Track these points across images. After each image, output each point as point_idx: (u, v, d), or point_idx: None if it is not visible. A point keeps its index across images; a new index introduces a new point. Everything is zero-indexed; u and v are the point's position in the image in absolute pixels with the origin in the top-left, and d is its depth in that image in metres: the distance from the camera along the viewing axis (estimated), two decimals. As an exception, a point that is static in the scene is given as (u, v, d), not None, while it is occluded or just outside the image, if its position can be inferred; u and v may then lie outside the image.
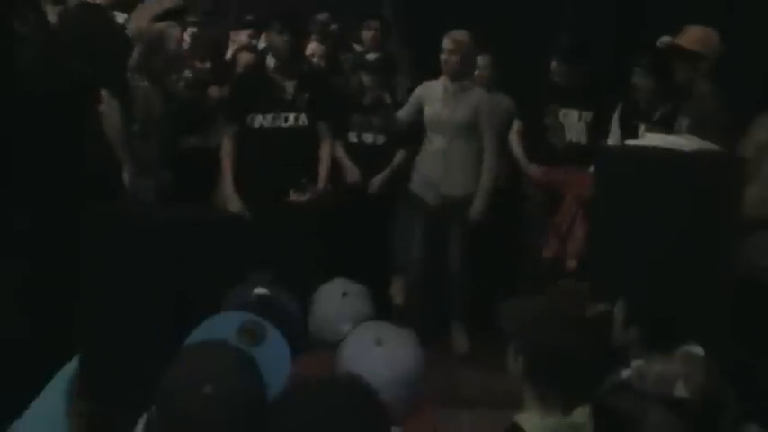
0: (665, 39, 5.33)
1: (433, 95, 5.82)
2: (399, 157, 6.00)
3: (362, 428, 1.98)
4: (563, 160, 5.77)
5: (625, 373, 2.83)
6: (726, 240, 4.05)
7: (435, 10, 6.72)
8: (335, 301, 3.07)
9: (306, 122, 5.44)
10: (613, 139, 5.58)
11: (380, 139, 6.01)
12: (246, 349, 2.29)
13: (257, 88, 5.45)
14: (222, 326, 2.45)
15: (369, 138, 5.99)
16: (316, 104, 5.47)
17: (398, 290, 6.03)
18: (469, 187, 5.75)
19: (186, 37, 5.57)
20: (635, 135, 5.31)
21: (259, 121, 5.38)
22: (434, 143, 5.80)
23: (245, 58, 6.08)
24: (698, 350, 2.86)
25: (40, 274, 3.96)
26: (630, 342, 3.07)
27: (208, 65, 5.82)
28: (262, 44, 6.41)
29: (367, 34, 6.62)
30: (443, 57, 5.72)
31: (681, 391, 2.63)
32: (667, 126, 5.20)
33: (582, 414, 2.62)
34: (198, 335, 2.45)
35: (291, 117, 5.41)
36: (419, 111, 5.87)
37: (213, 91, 5.78)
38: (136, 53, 5.15)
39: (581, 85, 5.90)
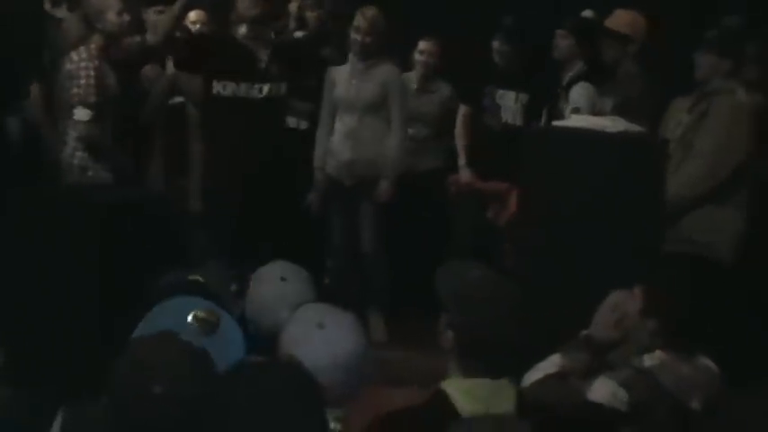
0: (588, 12, 5.61)
1: (341, 75, 5.70)
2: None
3: (295, 410, 1.96)
4: (499, 142, 5.80)
5: (647, 359, 2.91)
6: (653, 219, 4.15)
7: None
8: (274, 285, 2.98)
9: (280, 92, 5.34)
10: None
11: (303, 125, 5.93)
12: (198, 340, 2.22)
13: (229, 54, 5.31)
14: (174, 314, 2.39)
15: (292, 122, 5.93)
16: (291, 74, 5.37)
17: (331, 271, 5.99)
18: (379, 165, 5.63)
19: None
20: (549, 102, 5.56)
21: (231, 88, 5.25)
22: (344, 123, 5.67)
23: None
24: (713, 365, 2.94)
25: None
26: (648, 331, 3.04)
27: (137, 38, 5.67)
28: None
29: (310, 15, 6.49)
30: (354, 35, 5.60)
31: (696, 404, 2.76)
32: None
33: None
34: (147, 325, 2.39)
35: (266, 87, 5.27)
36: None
37: (147, 70, 5.69)
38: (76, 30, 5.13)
39: (519, 67, 5.92)
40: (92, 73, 4.83)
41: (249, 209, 5.21)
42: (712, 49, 4.68)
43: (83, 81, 4.82)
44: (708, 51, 4.68)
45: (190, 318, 2.36)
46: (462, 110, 6.05)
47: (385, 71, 5.65)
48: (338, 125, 5.68)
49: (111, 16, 4.95)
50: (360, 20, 5.57)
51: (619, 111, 4.70)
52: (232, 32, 5.58)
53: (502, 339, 2.47)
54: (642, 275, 3.42)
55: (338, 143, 5.67)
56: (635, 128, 4.27)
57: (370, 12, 5.58)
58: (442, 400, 2.47)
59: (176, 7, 5.25)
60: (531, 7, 6.00)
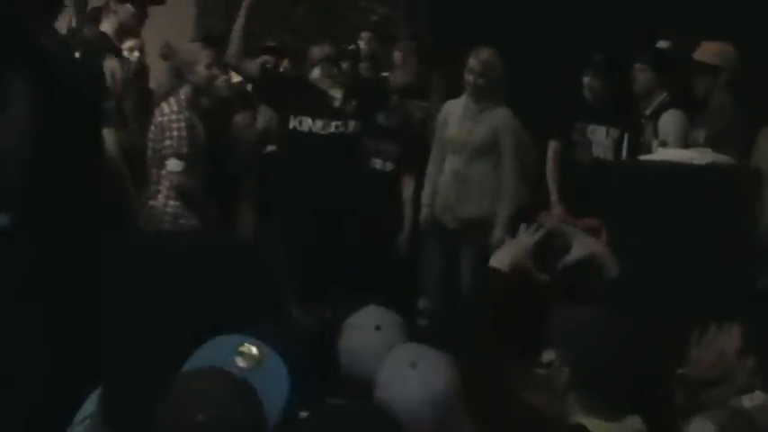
0: (664, 42, 5.71)
1: (453, 114, 5.74)
2: (408, 189, 5.96)
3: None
4: (590, 177, 5.75)
5: (745, 400, 2.85)
6: (745, 252, 4.06)
7: (462, 29, 6.72)
8: (368, 334, 2.94)
9: (354, 129, 5.41)
10: None
11: (389, 167, 5.98)
12: (243, 374, 2.28)
13: (304, 93, 5.42)
14: (219, 350, 2.44)
15: (377, 164, 6.00)
16: (363, 113, 5.46)
17: (425, 310, 5.98)
18: (485, 209, 5.64)
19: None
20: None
21: (308, 124, 5.36)
22: (453, 164, 5.71)
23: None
24: None
25: (61, 303, 4.03)
26: (747, 372, 2.96)
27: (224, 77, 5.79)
28: None
29: (398, 55, 6.55)
30: (467, 76, 5.63)
31: None
32: (657, 119, 5.50)
33: (637, 422, 2.63)
34: (195, 360, 2.44)
35: (341, 124, 5.37)
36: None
37: (238, 118, 5.81)
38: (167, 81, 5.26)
39: (609, 102, 5.90)
40: (183, 125, 4.98)
41: (328, 248, 5.26)
42: None
43: (175, 133, 4.96)
44: None
45: (234, 353, 2.41)
46: (552, 146, 6.01)
47: (498, 115, 5.66)
48: (446, 165, 5.71)
49: (201, 68, 5.09)
50: (473, 62, 5.59)
51: (712, 142, 4.65)
52: (306, 74, 5.64)
53: (620, 372, 2.51)
54: (738, 312, 3.36)
55: (444, 184, 5.70)
56: (723, 159, 4.20)
57: (485, 54, 5.60)
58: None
59: (241, 18, 5.36)
60: (612, 43, 5.98)
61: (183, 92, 5.07)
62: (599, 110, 5.89)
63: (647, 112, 5.65)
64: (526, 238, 2.99)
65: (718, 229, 3.88)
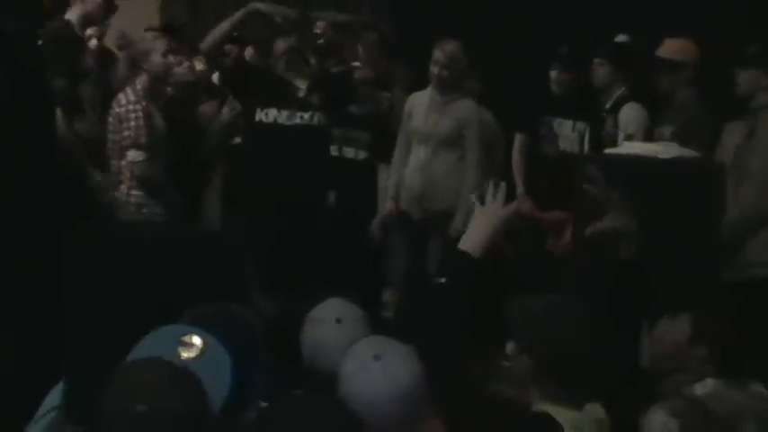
0: (622, 36, 5.76)
1: (419, 106, 5.75)
2: (382, 177, 5.94)
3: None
4: (557, 171, 5.77)
5: (698, 388, 2.87)
6: (711, 245, 4.09)
7: (428, 21, 6.72)
8: (330, 327, 2.97)
9: (320, 121, 5.41)
10: None
11: (362, 154, 5.95)
12: (186, 365, 2.26)
13: (269, 84, 5.41)
14: (162, 340, 2.42)
15: (350, 152, 5.96)
16: (329, 105, 5.45)
17: (390, 302, 5.97)
18: (451, 201, 5.63)
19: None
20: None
21: (273, 115, 5.36)
22: (418, 155, 5.72)
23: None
24: (766, 392, 2.88)
25: (19, 295, 3.99)
26: (697, 360, 3.02)
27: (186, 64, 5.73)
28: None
29: (363, 47, 6.53)
30: (433, 68, 5.63)
31: (750, 429, 2.67)
32: (617, 112, 5.56)
33: (598, 410, 2.65)
34: (137, 351, 2.41)
35: (306, 116, 5.37)
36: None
37: (205, 108, 5.78)
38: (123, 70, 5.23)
39: (575, 96, 5.89)
40: (140, 114, 4.96)
41: (295, 238, 5.24)
42: (752, 63, 4.62)
43: (132, 123, 4.95)
44: (748, 67, 4.62)
45: (177, 343, 2.38)
46: (519, 139, 6.00)
47: (463, 106, 5.68)
48: (412, 157, 5.71)
49: (157, 57, 5.08)
50: (438, 54, 5.59)
51: (678, 138, 4.67)
52: (272, 66, 5.64)
53: (578, 359, 2.51)
54: (702, 303, 3.39)
55: (410, 175, 5.71)
56: (689, 153, 4.22)
57: (450, 46, 5.61)
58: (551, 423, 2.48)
59: (231, 20, 5.32)
60: (578, 37, 6.00)
61: (140, 81, 5.05)
62: (565, 104, 5.89)
63: (608, 105, 5.70)
64: (494, 213, 2.93)
65: (683, 222, 3.90)
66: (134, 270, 3.84)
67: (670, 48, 5.31)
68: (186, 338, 2.40)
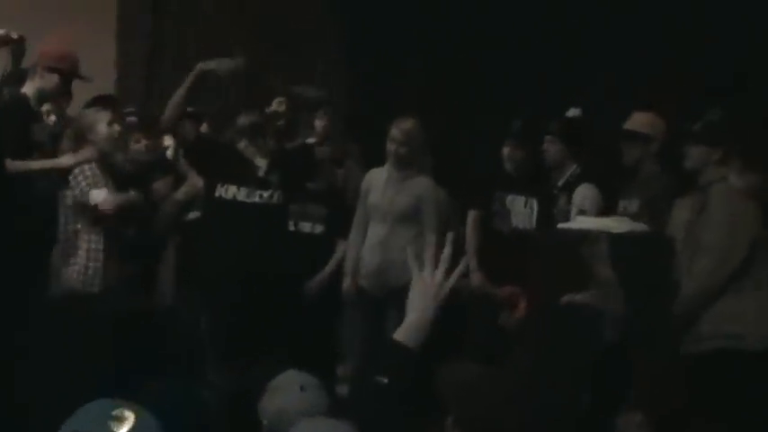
0: (574, 111, 5.68)
1: (376, 182, 5.75)
2: (340, 249, 5.94)
3: None
4: (509, 247, 5.79)
5: None
6: (664, 316, 4.13)
7: (382, 98, 6.79)
8: (293, 394, 3.01)
9: (279, 200, 5.39)
10: None
11: (318, 229, 5.94)
12: None
13: (230, 160, 5.40)
14: (93, 414, 2.29)
15: (306, 227, 5.95)
16: (289, 183, 5.43)
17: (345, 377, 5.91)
18: (407, 277, 5.57)
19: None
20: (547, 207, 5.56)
21: (233, 192, 5.33)
22: (376, 231, 5.70)
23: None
24: None
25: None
26: (635, 425, 3.09)
27: (144, 142, 5.73)
28: None
29: (319, 123, 6.58)
30: (390, 146, 5.64)
31: None
32: (571, 190, 5.46)
33: None
34: (67, 426, 2.27)
35: (266, 194, 5.34)
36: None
37: (159, 185, 5.75)
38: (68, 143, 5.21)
39: (528, 171, 5.90)
40: (88, 172, 4.95)
41: (252, 314, 5.19)
42: (702, 139, 4.68)
43: (81, 178, 4.95)
44: (697, 142, 4.68)
45: (108, 417, 2.27)
46: (472, 215, 5.97)
47: (420, 183, 5.68)
48: (370, 233, 5.71)
49: (102, 127, 5.07)
50: (395, 131, 5.61)
51: (646, 212, 4.71)
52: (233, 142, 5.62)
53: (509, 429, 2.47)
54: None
55: (368, 251, 5.69)
56: (641, 227, 4.28)
57: (406, 123, 5.62)
58: None
59: (184, 86, 5.31)
60: (531, 112, 6.05)
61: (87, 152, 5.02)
62: (518, 179, 5.90)
63: (560, 183, 5.64)
64: (430, 305, 2.82)
65: (635, 294, 3.94)
66: (85, 342, 3.82)
67: (639, 121, 5.27)
68: (117, 412, 2.37)
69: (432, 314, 2.74)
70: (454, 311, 5.90)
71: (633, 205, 5.03)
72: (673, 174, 5.14)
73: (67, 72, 5.09)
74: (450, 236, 2.84)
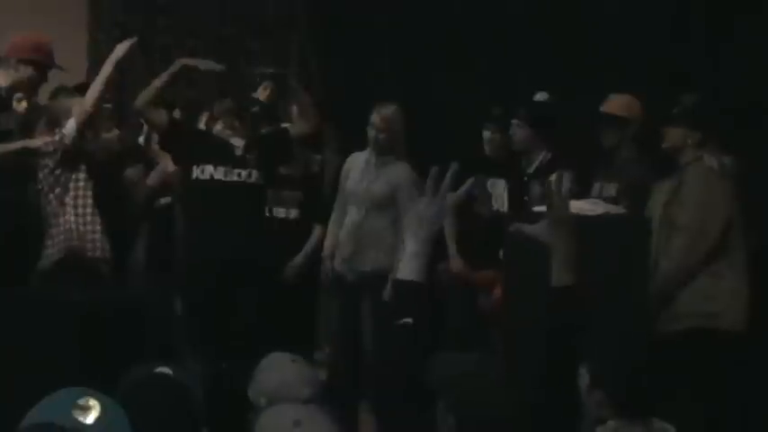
0: (541, 95, 5.66)
1: (355, 167, 5.76)
2: (316, 234, 5.93)
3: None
4: (490, 230, 5.77)
5: (600, 430, 2.92)
6: (642, 296, 4.15)
7: (361, 84, 6.75)
8: (288, 366, 3.14)
9: (257, 179, 5.36)
10: None
11: (293, 213, 5.92)
12: (80, 428, 2.21)
13: (207, 142, 5.40)
14: (57, 403, 2.34)
15: (281, 212, 5.92)
16: (265, 164, 5.41)
17: (321, 366, 5.89)
18: (381, 263, 5.58)
19: None
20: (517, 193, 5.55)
21: (209, 172, 5.30)
22: (351, 216, 5.70)
23: None
24: (669, 427, 2.95)
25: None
26: (596, 404, 3.07)
27: (116, 132, 5.74)
28: None
29: (294, 109, 6.50)
30: (370, 132, 5.64)
31: None
32: (544, 177, 5.24)
33: None
34: (31, 415, 2.33)
35: (244, 173, 5.32)
36: None
37: (130, 173, 5.73)
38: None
39: (508, 156, 5.90)
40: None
41: (229, 297, 5.18)
42: (681, 122, 4.68)
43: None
44: (676, 125, 4.68)
45: (72, 406, 2.30)
46: (450, 198, 5.95)
47: (397, 170, 5.67)
48: (347, 218, 5.71)
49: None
50: (375, 117, 5.62)
51: (623, 195, 4.71)
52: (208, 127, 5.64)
53: (502, 417, 2.49)
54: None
55: (343, 237, 5.69)
56: (616, 209, 4.26)
57: (387, 109, 5.63)
58: None
59: (162, 76, 5.28)
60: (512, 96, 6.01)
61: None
62: (498, 163, 5.91)
63: (530, 170, 5.63)
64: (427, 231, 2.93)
65: (610, 278, 3.93)
66: (57, 335, 3.78)
67: (616, 103, 5.24)
68: (82, 401, 2.34)
69: (430, 245, 2.84)
70: (433, 297, 5.97)
71: (611, 189, 5.03)
72: (649, 157, 5.14)
73: (43, 62, 5.03)
74: (453, 165, 2.89)
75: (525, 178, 5.61)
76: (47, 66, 5.08)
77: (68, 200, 4.97)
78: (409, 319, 2.71)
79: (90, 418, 2.31)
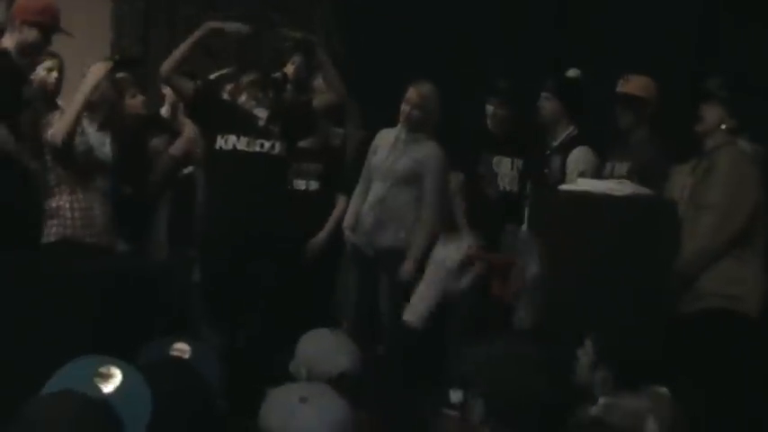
0: (573, 71, 5.56)
1: (384, 142, 5.71)
2: (338, 208, 5.89)
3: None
4: (497, 210, 5.72)
5: (594, 409, 2.90)
6: (665, 277, 4.11)
7: (384, 59, 6.69)
8: (327, 336, 3.27)
9: (279, 150, 5.27)
10: None
11: (313, 186, 5.87)
12: (102, 396, 2.25)
13: (230, 112, 5.33)
14: (78, 372, 2.39)
15: (301, 184, 5.88)
16: (289, 135, 5.32)
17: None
18: (401, 240, 5.57)
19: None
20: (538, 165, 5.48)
21: (232, 142, 5.21)
22: (375, 190, 5.65)
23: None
24: (663, 390, 2.94)
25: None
26: (598, 381, 3.11)
27: (140, 98, 5.71)
28: None
29: (319, 82, 6.45)
30: (404, 107, 5.58)
31: (651, 426, 2.75)
32: (566, 153, 5.39)
33: None
34: (52, 383, 2.39)
35: (267, 144, 5.23)
36: None
37: (155, 142, 5.71)
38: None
39: (513, 131, 5.82)
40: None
41: (248, 269, 5.12)
42: (720, 104, 4.61)
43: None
44: (715, 105, 4.62)
45: (94, 374, 2.35)
46: (454, 179, 5.85)
47: (426, 148, 5.62)
48: (370, 192, 5.68)
49: (105, 83, 5.02)
50: (412, 93, 5.58)
51: (635, 175, 4.65)
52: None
53: (533, 403, 2.47)
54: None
55: (365, 211, 5.66)
56: (642, 190, 4.21)
57: (424, 87, 5.59)
58: None
59: (189, 40, 5.25)
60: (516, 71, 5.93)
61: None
62: (503, 140, 5.83)
63: (555, 143, 5.53)
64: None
65: (636, 258, 3.88)
66: (75, 303, 3.75)
67: (633, 84, 5.15)
68: (103, 369, 2.36)
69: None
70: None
71: (622, 168, 4.98)
72: (664, 138, 5.09)
73: (48, 25, 4.98)
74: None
75: (548, 152, 5.54)
76: (51, 29, 5.02)
77: (64, 187, 4.95)
78: None
79: (111, 387, 2.31)
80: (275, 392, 2.60)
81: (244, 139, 5.19)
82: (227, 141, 5.18)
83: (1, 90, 4.68)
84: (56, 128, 4.88)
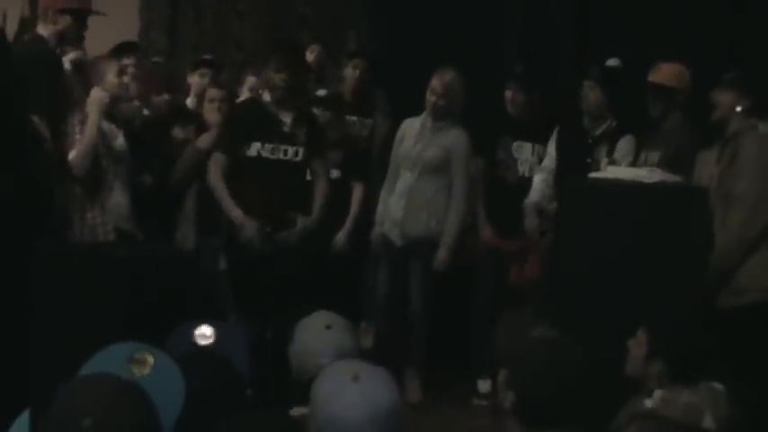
0: (613, 61, 5.53)
1: (410, 132, 5.71)
2: (356, 198, 5.89)
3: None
4: (516, 196, 5.70)
5: (648, 402, 2.89)
6: (699, 266, 4.05)
7: (413, 50, 6.67)
8: (318, 333, 3.00)
9: (303, 156, 5.26)
10: (549, 161, 5.66)
11: (334, 174, 5.77)
12: (135, 379, 2.28)
13: (255, 117, 5.29)
14: (112, 357, 2.43)
15: None
16: (313, 140, 5.31)
17: (366, 334, 5.85)
18: (432, 229, 5.57)
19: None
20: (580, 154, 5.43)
21: (256, 148, 5.21)
22: (404, 180, 5.65)
23: (212, 93, 5.86)
24: (719, 386, 2.92)
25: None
26: (653, 374, 3.10)
27: (166, 97, 5.73)
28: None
29: (352, 73, 6.40)
30: (429, 97, 5.60)
31: (708, 421, 2.73)
32: (609, 143, 5.42)
33: None
34: (87, 368, 2.42)
35: (291, 150, 5.24)
36: None
37: (177, 132, 5.72)
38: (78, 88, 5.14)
39: (533, 116, 5.80)
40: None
41: (273, 263, 5.12)
42: (732, 87, 4.58)
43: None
44: (727, 90, 4.58)
45: (127, 360, 2.41)
46: (476, 162, 5.84)
47: (452, 136, 5.63)
48: (399, 182, 5.68)
49: (111, 77, 5.04)
50: (436, 82, 5.59)
51: (666, 164, 4.62)
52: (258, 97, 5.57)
53: (565, 395, 2.46)
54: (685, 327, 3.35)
55: (394, 201, 5.66)
56: (673, 178, 4.17)
57: (448, 75, 5.60)
58: None
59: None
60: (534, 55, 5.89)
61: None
62: (523, 125, 5.81)
63: (597, 132, 5.54)
64: None
65: (668, 246, 3.84)
66: (105, 293, 3.75)
67: (664, 72, 5.13)
68: (137, 355, 2.42)
69: None
70: (462, 267, 5.87)
71: (654, 156, 4.95)
72: (695, 126, 5.04)
73: (79, 10, 4.99)
74: None
75: (589, 141, 5.53)
76: (84, 12, 5.02)
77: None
78: None
79: (145, 372, 2.34)
80: (333, 366, 2.56)
81: (268, 147, 5.19)
82: (252, 148, 5.17)
83: (38, 81, 4.66)
84: (73, 156, 4.89)
